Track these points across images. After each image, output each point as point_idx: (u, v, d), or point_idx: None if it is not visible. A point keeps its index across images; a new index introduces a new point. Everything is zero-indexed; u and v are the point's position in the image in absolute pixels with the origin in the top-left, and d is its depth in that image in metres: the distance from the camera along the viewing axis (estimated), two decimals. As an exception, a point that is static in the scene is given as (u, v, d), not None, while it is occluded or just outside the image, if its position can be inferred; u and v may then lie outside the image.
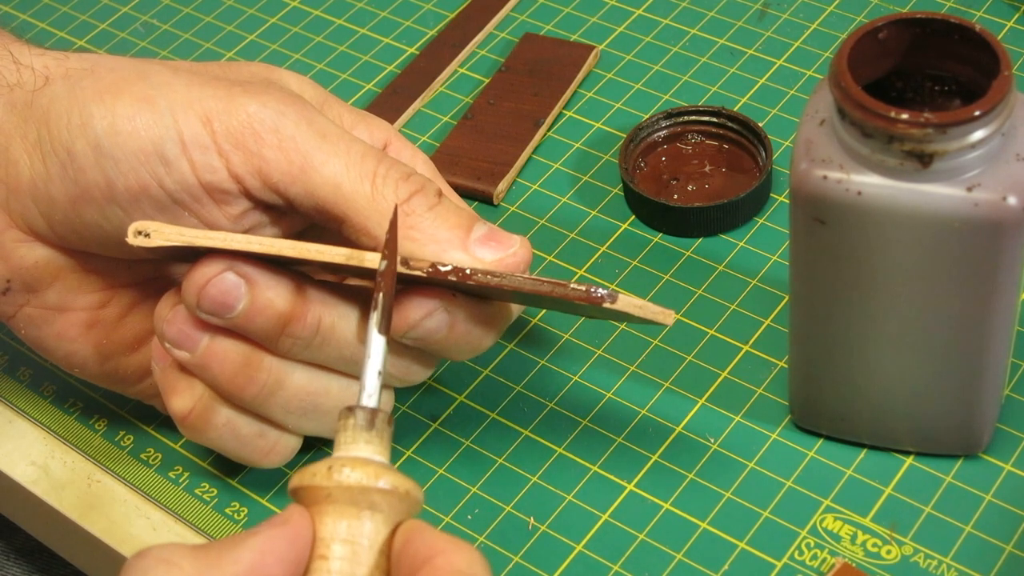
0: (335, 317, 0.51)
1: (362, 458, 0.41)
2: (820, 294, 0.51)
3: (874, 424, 0.55)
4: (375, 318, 0.43)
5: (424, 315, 0.50)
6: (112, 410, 0.61)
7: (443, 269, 0.48)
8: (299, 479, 0.41)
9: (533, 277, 0.49)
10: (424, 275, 0.48)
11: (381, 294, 0.45)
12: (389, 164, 0.51)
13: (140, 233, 0.49)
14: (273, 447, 0.54)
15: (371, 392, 0.42)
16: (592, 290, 0.48)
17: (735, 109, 0.69)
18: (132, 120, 0.51)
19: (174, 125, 0.50)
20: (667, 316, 0.50)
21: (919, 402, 0.53)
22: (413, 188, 0.51)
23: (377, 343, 0.43)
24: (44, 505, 0.58)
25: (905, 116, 0.45)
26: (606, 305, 0.48)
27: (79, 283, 0.55)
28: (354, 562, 0.39)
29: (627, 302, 0.49)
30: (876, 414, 0.54)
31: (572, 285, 0.48)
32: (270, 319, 0.50)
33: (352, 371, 0.52)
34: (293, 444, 0.54)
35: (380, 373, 0.43)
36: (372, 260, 0.48)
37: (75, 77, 0.52)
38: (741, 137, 0.66)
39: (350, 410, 0.42)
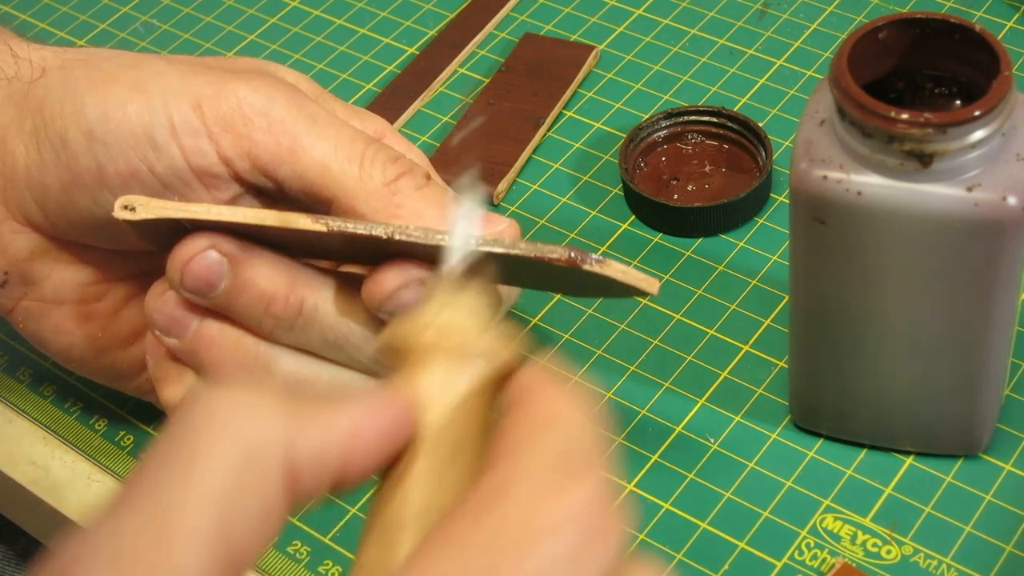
0: (319, 299, 0.50)
1: (462, 321, 0.39)
2: (820, 294, 0.51)
3: (874, 424, 0.55)
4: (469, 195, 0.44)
5: (400, 285, 0.49)
6: (112, 410, 0.61)
7: (414, 232, 0.48)
8: (396, 336, 0.39)
9: (513, 240, 0.48)
10: (405, 239, 0.48)
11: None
12: (378, 147, 0.52)
13: (126, 207, 0.49)
14: None
15: (465, 250, 0.42)
16: (573, 253, 0.48)
17: (735, 109, 0.69)
18: (123, 107, 0.51)
19: (164, 110, 0.51)
20: (651, 284, 0.49)
21: (919, 402, 0.53)
22: (401, 169, 0.51)
23: (469, 208, 0.43)
24: (44, 505, 0.58)
25: (905, 116, 0.45)
26: (586, 268, 0.47)
27: (75, 275, 0.55)
28: (456, 424, 0.37)
29: (612, 267, 0.48)
30: (876, 414, 0.54)
31: (551, 247, 0.48)
32: (252, 298, 0.50)
33: (339, 358, 0.52)
34: None
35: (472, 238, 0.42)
36: (364, 227, 0.48)
37: (70, 67, 0.53)
38: (741, 137, 0.66)
39: (447, 271, 0.41)
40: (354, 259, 0.53)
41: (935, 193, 0.47)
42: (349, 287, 0.51)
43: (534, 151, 0.69)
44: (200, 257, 0.49)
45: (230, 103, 0.51)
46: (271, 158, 0.51)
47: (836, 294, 0.51)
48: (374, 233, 0.48)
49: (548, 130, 0.70)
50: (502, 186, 0.67)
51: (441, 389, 0.37)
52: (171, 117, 0.51)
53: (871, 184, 0.47)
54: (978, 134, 0.46)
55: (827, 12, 0.74)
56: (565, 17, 0.76)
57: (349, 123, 0.53)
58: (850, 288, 0.50)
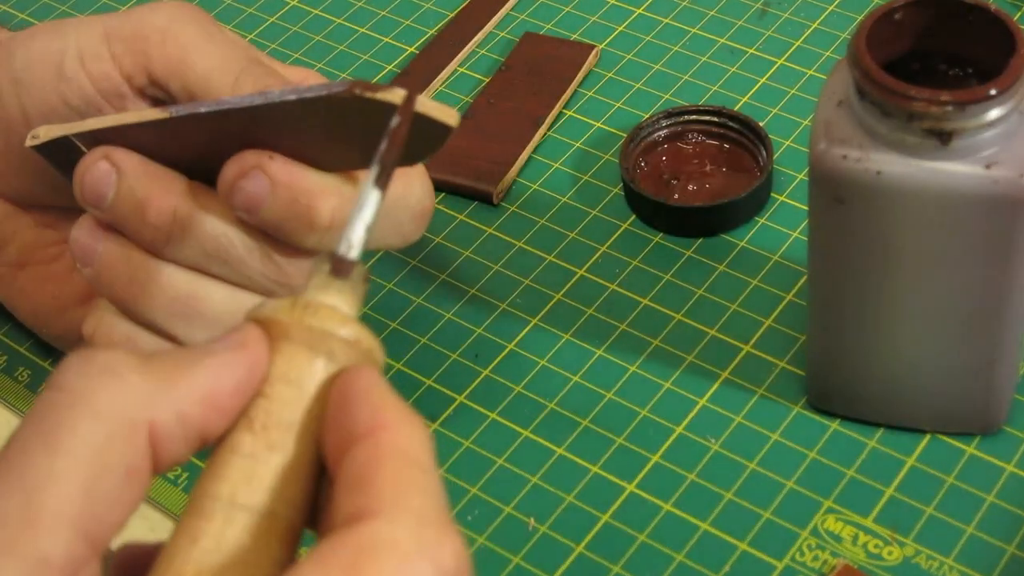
0: (193, 208, 0.51)
1: (330, 304, 0.37)
2: (839, 273, 0.51)
3: (891, 402, 0.55)
4: (373, 170, 0.39)
5: (237, 173, 0.49)
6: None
7: (232, 100, 0.48)
8: (259, 311, 0.37)
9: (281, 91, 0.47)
10: (222, 108, 0.48)
11: (384, 147, 0.40)
12: (258, 65, 0.53)
13: (33, 136, 0.52)
14: None
15: (353, 243, 0.38)
16: (334, 85, 0.45)
17: (736, 108, 0.69)
18: (43, 51, 0.54)
19: (75, 44, 0.54)
20: (449, 114, 0.45)
21: (936, 380, 0.53)
22: (273, 82, 0.52)
23: (370, 197, 0.39)
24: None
25: (925, 94, 0.46)
26: (356, 92, 0.45)
27: (35, 238, 0.58)
28: (294, 407, 0.36)
29: (389, 92, 0.44)
30: (894, 392, 0.55)
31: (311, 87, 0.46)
32: (130, 207, 0.50)
33: (229, 274, 0.52)
34: None
35: (368, 228, 0.38)
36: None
37: (16, 34, 0.56)
38: (742, 137, 0.66)
39: (328, 255, 0.38)
40: None
41: (954, 171, 0.47)
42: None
43: (534, 151, 0.69)
44: (93, 167, 0.51)
45: (132, 25, 0.54)
46: (163, 72, 0.53)
47: (855, 273, 0.51)
48: (203, 110, 0.48)
49: (548, 130, 0.70)
50: (502, 186, 0.67)
51: (286, 372, 0.36)
52: (81, 50, 0.53)
53: (890, 163, 0.47)
54: (996, 112, 0.46)
55: (828, 11, 0.74)
56: (565, 16, 0.76)
57: (243, 47, 0.55)
58: (869, 266, 0.50)
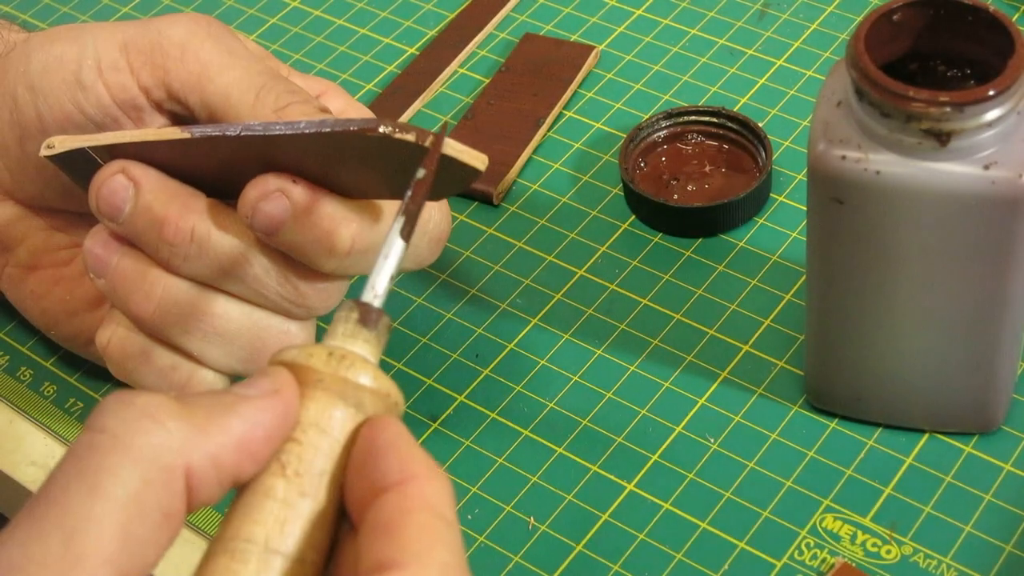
0: (210, 227, 0.51)
1: (360, 355, 0.38)
2: (838, 273, 0.51)
3: (890, 402, 0.55)
4: (399, 221, 0.40)
5: (259, 195, 0.49)
6: (112, 410, 0.61)
7: (256, 127, 0.48)
8: (293, 355, 0.38)
9: (302, 121, 0.47)
10: (250, 134, 0.48)
11: (409, 197, 0.41)
12: (279, 81, 0.53)
13: (48, 146, 0.52)
14: (188, 381, 0.53)
15: (379, 293, 0.39)
16: (361, 121, 0.46)
17: (735, 109, 0.69)
18: (60, 57, 0.54)
19: (93, 53, 0.54)
20: (478, 158, 0.47)
21: (935, 379, 0.54)
22: (294, 99, 0.52)
23: (394, 247, 0.40)
24: (44, 505, 0.58)
25: (923, 95, 0.46)
26: (383, 130, 0.46)
27: (46, 241, 0.58)
28: (326, 455, 0.37)
29: (414, 133, 0.45)
30: (892, 392, 0.55)
31: (344, 120, 0.47)
32: (147, 222, 0.51)
33: (246, 293, 0.52)
34: (210, 379, 0.53)
35: (393, 278, 0.40)
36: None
37: (31, 38, 0.56)
38: (741, 137, 0.66)
39: (355, 303, 0.39)
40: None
41: (952, 172, 0.47)
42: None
43: (534, 151, 0.69)
44: (109, 180, 0.51)
45: (151, 38, 0.54)
46: (182, 86, 0.53)
47: (853, 273, 0.51)
48: (227, 133, 0.48)
49: (548, 130, 0.70)
50: (502, 186, 0.67)
51: (318, 421, 0.37)
52: (99, 59, 0.53)
53: (889, 163, 0.47)
54: (994, 112, 0.46)
55: (827, 12, 0.74)
56: (565, 17, 0.76)
57: (265, 62, 0.55)
58: (867, 266, 0.50)
